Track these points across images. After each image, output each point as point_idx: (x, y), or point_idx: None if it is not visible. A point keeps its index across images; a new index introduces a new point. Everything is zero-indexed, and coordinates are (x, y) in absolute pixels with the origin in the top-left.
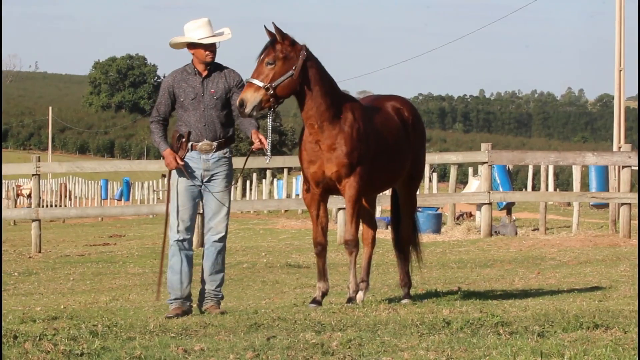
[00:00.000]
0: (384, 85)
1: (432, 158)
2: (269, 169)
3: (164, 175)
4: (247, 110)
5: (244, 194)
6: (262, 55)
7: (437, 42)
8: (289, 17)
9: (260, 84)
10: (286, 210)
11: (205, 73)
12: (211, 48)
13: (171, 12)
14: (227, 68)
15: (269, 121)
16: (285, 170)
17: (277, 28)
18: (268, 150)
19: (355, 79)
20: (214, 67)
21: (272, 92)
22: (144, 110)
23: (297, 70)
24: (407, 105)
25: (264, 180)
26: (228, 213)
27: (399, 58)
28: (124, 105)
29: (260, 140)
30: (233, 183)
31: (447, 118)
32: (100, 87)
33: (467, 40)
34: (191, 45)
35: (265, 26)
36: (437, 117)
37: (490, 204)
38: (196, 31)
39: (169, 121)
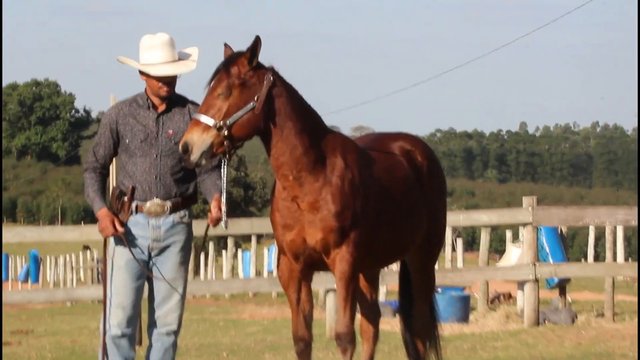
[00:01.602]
0: (388, 119)
1: (456, 218)
2: (230, 236)
3: (86, 247)
4: (194, 157)
5: (197, 271)
6: (213, 83)
7: (461, 58)
8: (268, 25)
9: (210, 122)
10: (255, 294)
11: (162, 107)
12: (166, 79)
13: (95, 17)
14: (192, 102)
15: (224, 172)
16: (254, 238)
17: (255, 44)
18: (223, 214)
19: (348, 110)
20: (174, 100)
21: (226, 132)
22: (57, 157)
23: (261, 102)
24: (420, 146)
25: (224, 251)
26: (183, 299)
27: (409, 80)
28: (29, 150)
29: (218, 209)
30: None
31: (475, 162)
32: None
33: (502, 54)
34: (142, 71)
35: (225, 44)
36: (462, 162)
37: (536, 280)
38: (148, 53)
39: (109, 170)
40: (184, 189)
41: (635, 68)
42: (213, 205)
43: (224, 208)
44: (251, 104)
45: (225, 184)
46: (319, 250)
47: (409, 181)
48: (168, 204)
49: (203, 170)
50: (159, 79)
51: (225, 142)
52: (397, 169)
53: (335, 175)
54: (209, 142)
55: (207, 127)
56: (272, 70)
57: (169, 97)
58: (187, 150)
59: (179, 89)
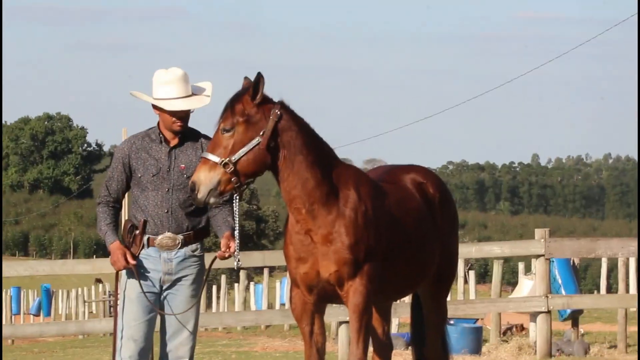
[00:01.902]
0: (400, 152)
1: (469, 250)
2: (243, 269)
3: (98, 281)
4: (201, 196)
5: (209, 304)
6: (219, 121)
7: (473, 90)
8: (281, 58)
9: (217, 160)
10: (268, 326)
11: (174, 141)
12: (180, 114)
13: (107, 53)
14: (204, 136)
15: (235, 209)
16: (266, 271)
17: (257, 80)
18: (237, 252)
19: (361, 143)
20: (187, 134)
21: (232, 169)
22: (69, 191)
23: (266, 137)
24: (432, 178)
25: (236, 285)
26: (194, 332)
27: (421, 112)
28: (42, 183)
29: (228, 247)
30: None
31: (487, 194)
32: (9, 159)
33: (515, 85)
34: (155, 106)
35: (245, 77)
36: (474, 194)
37: (549, 312)
38: (162, 88)
39: (122, 203)
40: (196, 223)
41: None
42: (223, 244)
43: (236, 246)
44: (256, 139)
45: (237, 220)
46: (333, 282)
47: (421, 213)
48: (179, 237)
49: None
50: (173, 113)
51: (232, 179)
52: (409, 201)
53: (349, 208)
54: (216, 180)
55: (213, 165)
56: (279, 104)
57: (182, 131)
58: (194, 189)
59: (193, 123)
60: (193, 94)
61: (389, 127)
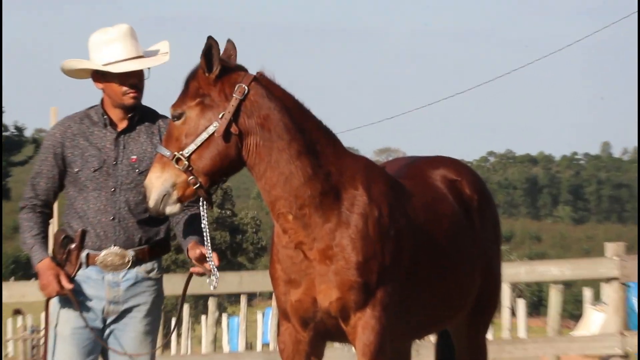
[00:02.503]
0: (421, 139)
1: (516, 272)
2: (212, 296)
3: (17, 312)
4: (153, 204)
5: (166, 344)
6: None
7: (520, 57)
8: (279, 17)
9: (168, 154)
10: None
11: (123, 124)
12: (133, 80)
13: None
14: (163, 117)
15: (203, 220)
16: (243, 299)
17: (208, 47)
18: (214, 269)
19: (370, 128)
20: (140, 115)
21: (187, 165)
22: None
23: (225, 121)
24: (468, 174)
25: (203, 317)
26: None
27: (449, 88)
28: None
29: (201, 257)
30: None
31: (542, 196)
32: None
33: (580, 49)
34: (98, 75)
35: (229, 40)
36: (523, 196)
37: (626, 356)
38: (105, 49)
39: (53, 208)
40: (152, 234)
41: None
42: (191, 254)
43: (208, 254)
44: (212, 125)
45: (206, 230)
46: (335, 314)
47: (455, 221)
48: (130, 253)
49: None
50: (124, 81)
51: (190, 180)
52: (440, 205)
53: (356, 213)
54: (170, 182)
55: (166, 163)
56: (253, 77)
57: (135, 106)
58: (145, 195)
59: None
60: (146, 55)
61: (408, 107)
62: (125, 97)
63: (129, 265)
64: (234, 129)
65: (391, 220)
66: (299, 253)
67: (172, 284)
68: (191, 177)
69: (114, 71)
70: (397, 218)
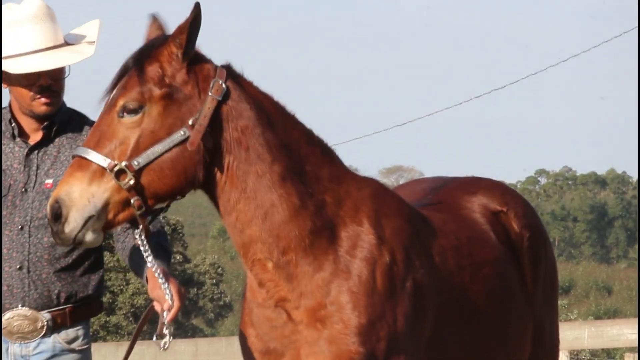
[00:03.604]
0: (446, 153)
1: (579, 334)
2: None
3: None
4: (70, 229)
5: None
6: (114, 93)
7: (579, 42)
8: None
9: (104, 162)
10: None
11: (37, 136)
12: (45, 80)
13: None
14: (92, 122)
15: (143, 248)
16: None
17: (194, 18)
18: (165, 322)
19: (374, 138)
20: (61, 122)
21: (132, 181)
22: None
23: (201, 127)
24: (517, 203)
25: None
26: None
27: (484, 84)
28: None
29: (173, 294)
30: None
31: (613, 231)
32: None
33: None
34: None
35: (152, 16)
36: (586, 230)
37: None
38: (11, 33)
39: None
40: (77, 289)
41: None
42: (151, 288)
43: (166, 289)
44: (181, 131)
45: (160, 273)
46: None
47: (501, 271)
48: (44, 316)
49: (120, 229)
50: (33, 81)
51: (133, 201)
52: (478, 248)
53: (359, 258)
54: (102, 201)
55: (98, 173)
56: (225, 70)
57: (52, 115)
58: (58, 215)
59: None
60: (67, 44)
61: (426, 109)
62: (35, 104)
63: (43, 333)
64: (208, 141)
65: (408, 268)
66: (280, 313)
67: (103, 356)
68: (136, 197)
69: (12, 71)
70: (416, 265)
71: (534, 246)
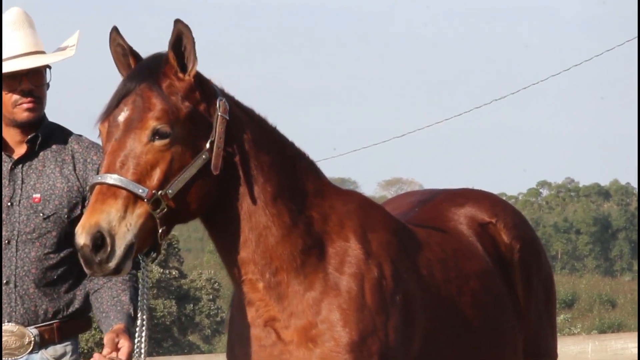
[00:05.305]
0: (446, 165)
1: (582, 349)
2: None
3: None
4: (117, 259)
5: None
6: (129, 112)
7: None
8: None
9: (141, 191)
10: None
11: (21, 150)
12: (25, 85)
13: None
14: (78, 137)
15: (143, 277)
16: None
17: (179, 31)
18: (142, 349)
19: (369, 151)
20: (45, 135)
21: (165, 209)
22: None
23: (219, 151)
24: (506, 214)
25: None
26: None
27: (486, 94)
28: None
29: (116, 348)
30: None
31: (616, 244)
32: None
33: None
34: None
35: (114, 29)
36: (590, 243)
37: None
38: None
39: None
40: (65, 304)
41: None
42: (107, 341)
43: (135, 348)
44: (203, 155)
45: (146, 299)
46: None
47: (488, 283)
48: (32, 332)
49: None
50: (13, 87)
51: (162, 231)
52: (465, 260)
53: (347, 274)
54: (136, 229)
55: (131, 200)
56: (216, 88)
57: (34, 121)
58: (102, 244)
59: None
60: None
61: (425, 121)
62: (17, 110)
63: (30, 349)
64: (221, 163)
65: (396, 281)
66: (270, 333)
67: None
68: (164, 227)
69: (7, 69)
70: (404, 279)
71: (526, 258)
